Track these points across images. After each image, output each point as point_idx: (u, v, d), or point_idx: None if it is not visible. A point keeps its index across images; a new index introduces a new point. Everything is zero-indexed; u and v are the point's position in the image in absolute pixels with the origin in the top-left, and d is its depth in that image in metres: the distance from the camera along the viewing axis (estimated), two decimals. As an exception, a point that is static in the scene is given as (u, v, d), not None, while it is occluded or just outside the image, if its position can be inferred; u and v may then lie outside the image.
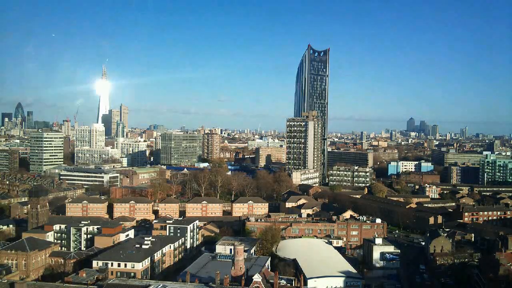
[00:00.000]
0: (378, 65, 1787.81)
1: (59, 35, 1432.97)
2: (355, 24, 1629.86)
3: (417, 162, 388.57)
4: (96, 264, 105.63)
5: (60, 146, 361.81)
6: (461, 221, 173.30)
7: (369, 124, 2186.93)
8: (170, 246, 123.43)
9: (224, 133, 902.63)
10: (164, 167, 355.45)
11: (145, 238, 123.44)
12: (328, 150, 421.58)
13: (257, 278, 79.70)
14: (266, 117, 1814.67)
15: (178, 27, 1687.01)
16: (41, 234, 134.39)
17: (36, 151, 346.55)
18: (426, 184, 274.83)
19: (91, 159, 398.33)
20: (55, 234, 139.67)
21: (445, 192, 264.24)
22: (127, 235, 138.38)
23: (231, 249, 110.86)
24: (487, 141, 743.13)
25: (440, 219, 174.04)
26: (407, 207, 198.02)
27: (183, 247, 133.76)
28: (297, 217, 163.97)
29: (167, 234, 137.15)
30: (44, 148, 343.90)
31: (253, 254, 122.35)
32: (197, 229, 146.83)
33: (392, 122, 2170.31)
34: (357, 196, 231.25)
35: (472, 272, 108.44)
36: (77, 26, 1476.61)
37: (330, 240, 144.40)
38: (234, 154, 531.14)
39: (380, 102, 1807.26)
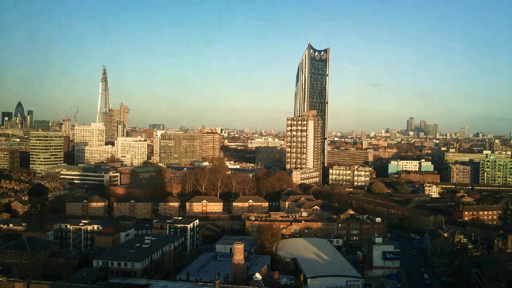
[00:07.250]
0: (378, 64, 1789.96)
1: (59, 35, 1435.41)
2: (355, 22, 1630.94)
3: (417, 162, 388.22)
4: (96, 263, 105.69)
5: (60, 145, 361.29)
6: (461, 220, 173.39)
7: (369, 124, 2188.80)
8: (170, 245, 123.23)
9: (224, 132, 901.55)
10: (164, 166, 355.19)
11: (145, 238, 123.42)
12: (328, 149, 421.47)
13: (257, 277, 79.71)
14: (266, 116, 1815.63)
15: (178, 26, 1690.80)
16: (41, 233, 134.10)
17: (36, 150, 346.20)
18: (426, 184, 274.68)
19: (91, 158, 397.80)
20: (55, 233, 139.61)
21: (445, 191, 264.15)
22: (127, 234, 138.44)
23: (231, 248, 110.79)
24: (487, 140, 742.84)
25: (440, 218, 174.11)
26: (407, 206, 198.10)
27: (183, 246, 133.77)
28: (297, 216, 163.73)
29: (167, 233, 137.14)
30: (44, 147, 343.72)
31: (253, 253, 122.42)
32: (197, 228, 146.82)
33: (392, 121, 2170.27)
34: (357, 195, 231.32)
35: (472, 271, 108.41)
36: (77, 25, 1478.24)
37: (330, 239, 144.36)
38: (234, 153, 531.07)
39: (380, 101, 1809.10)
